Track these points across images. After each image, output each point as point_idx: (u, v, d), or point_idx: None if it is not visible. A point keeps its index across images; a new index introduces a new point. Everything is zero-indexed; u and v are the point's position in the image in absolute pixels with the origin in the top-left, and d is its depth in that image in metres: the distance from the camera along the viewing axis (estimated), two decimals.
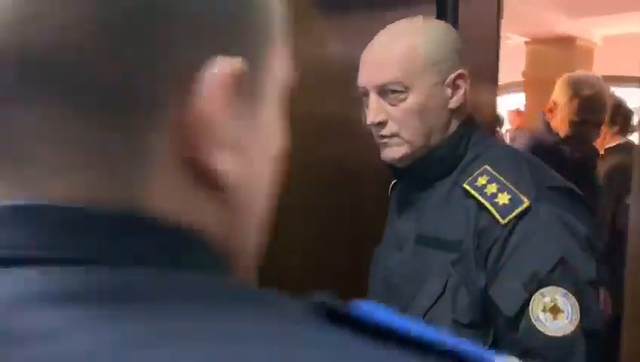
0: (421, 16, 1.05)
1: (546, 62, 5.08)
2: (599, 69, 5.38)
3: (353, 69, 1.06)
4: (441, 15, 1.74)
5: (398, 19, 1.05)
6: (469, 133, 1.02)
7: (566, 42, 5.08)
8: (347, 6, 1.60)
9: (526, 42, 5.63)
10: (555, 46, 5.09)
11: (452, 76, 0.99)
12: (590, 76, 2.29)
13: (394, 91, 0.98)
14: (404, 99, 0.98)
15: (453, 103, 1.00)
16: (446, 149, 1.01)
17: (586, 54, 5.29)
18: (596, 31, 5.27)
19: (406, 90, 0.98)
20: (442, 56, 0.99)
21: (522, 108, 5.79)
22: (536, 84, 4.85)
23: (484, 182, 0.95)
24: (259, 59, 0.35)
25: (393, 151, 1.01)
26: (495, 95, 2.08)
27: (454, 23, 1.77)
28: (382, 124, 1.00)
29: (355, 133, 1.57)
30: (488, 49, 1.99)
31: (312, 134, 1.52)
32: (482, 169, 0.96)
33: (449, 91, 1.00)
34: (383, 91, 0.99)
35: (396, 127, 0.99)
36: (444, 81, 0.99)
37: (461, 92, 1.00)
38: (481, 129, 1.07)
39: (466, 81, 1.01)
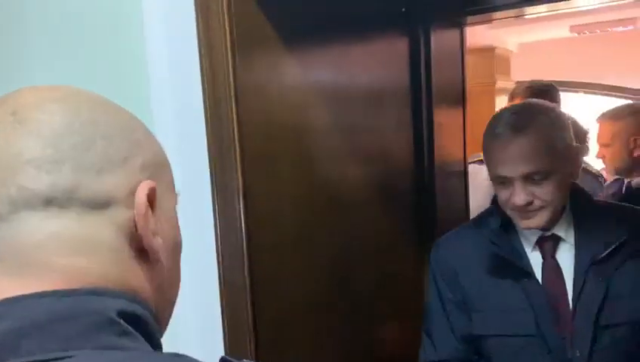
0: None
1: (469, 71, 5.24)
2: (515, 75, 5.62)
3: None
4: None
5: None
6: None
7: (486, 51, 5.26)
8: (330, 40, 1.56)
9: None
10: (476, 55, 5.27)
11: None
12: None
13: None
14: None
15: None
16: None
17: (504, 62, 5.51)
18: (511, 39, 5.51)
19: None
20: None
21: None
22: None
23: None
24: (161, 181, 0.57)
25: None
26: (463, 115, 2.07)
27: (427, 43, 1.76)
28: None
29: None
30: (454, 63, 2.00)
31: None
32: None
33: None
34: None
35: None
36: None
37: None
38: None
39: None
